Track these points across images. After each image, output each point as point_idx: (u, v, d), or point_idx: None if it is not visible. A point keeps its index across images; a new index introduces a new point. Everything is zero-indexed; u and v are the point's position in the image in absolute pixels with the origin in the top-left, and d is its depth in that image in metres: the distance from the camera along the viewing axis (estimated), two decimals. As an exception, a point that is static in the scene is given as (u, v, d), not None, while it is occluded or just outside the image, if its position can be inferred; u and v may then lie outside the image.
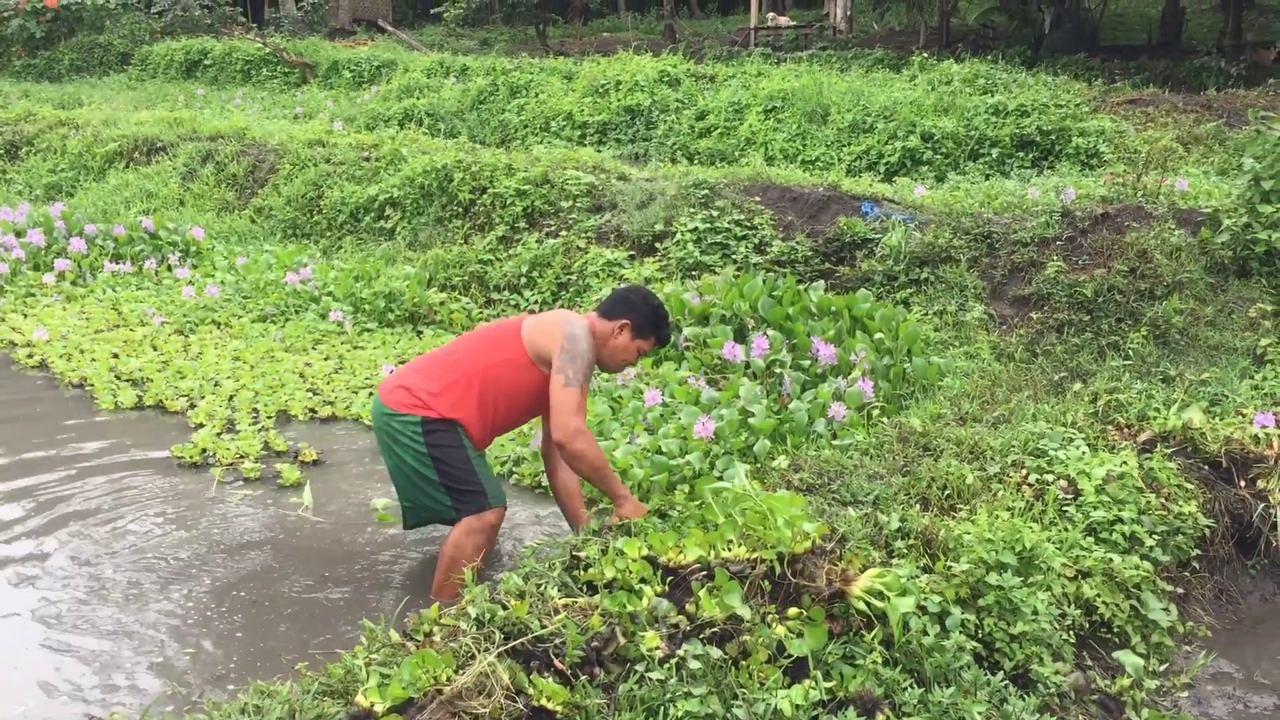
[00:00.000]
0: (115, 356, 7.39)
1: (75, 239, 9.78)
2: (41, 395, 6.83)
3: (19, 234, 9.98)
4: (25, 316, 8.50)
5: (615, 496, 4.18)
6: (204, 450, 5.78)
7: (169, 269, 9.78)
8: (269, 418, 6.32)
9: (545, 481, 5.31)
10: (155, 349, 7.63)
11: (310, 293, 8.69)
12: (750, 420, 5.27)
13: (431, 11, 25.65)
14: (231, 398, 6.62)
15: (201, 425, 6.17)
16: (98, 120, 14.45)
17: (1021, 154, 11.55)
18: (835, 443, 5.00)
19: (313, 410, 6.51)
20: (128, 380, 6.96)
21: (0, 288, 9.19)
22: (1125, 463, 4.43)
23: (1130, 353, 6.23)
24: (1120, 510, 4.23)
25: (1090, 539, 4.10)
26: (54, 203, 11.47)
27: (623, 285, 4.62)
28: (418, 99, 16.17)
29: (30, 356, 7.45)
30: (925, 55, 15.57)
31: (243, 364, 7.27)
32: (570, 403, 4.03)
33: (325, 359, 7.51)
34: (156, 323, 8.19)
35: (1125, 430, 4.91)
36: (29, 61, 22.76)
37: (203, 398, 6.60)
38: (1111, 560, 4.01)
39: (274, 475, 5.52)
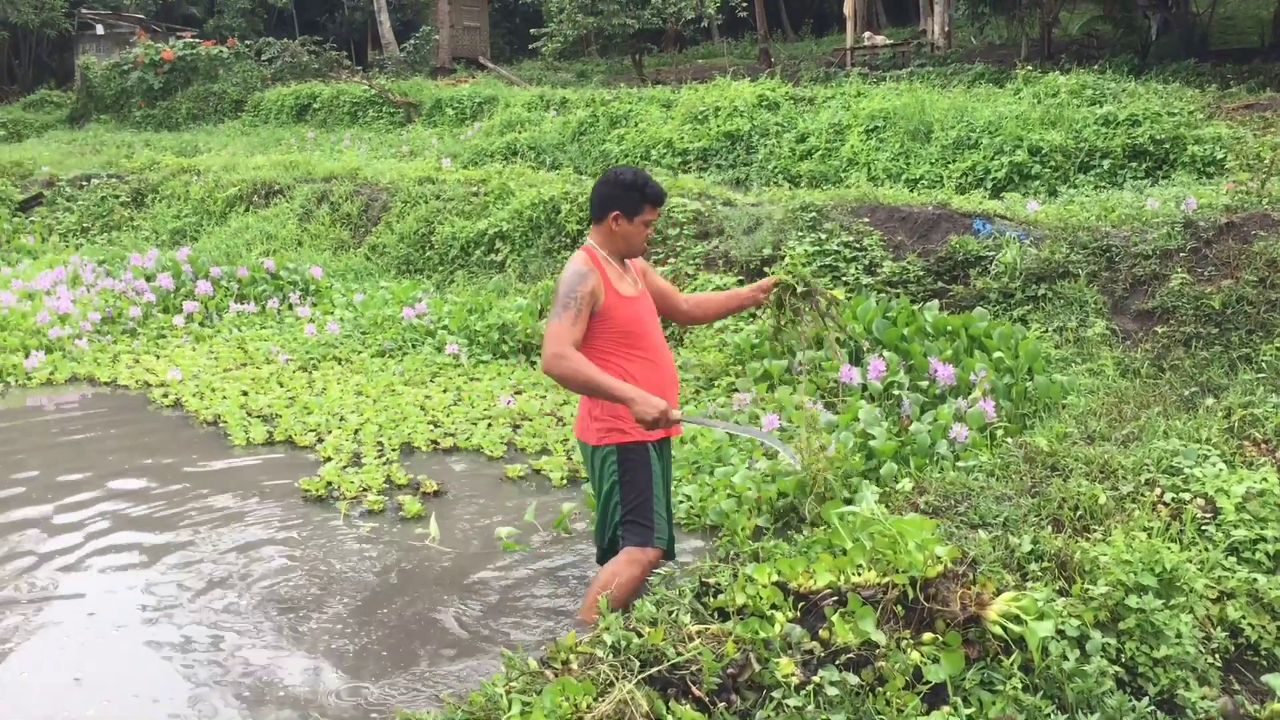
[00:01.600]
0: (245, 394, 7.67)
1: (202, 281, 10.19)
2: (178, 432, 7.11)
3: (149, 278, 10.44)
4: (158, 357, 8.87)
5: (622, 399, 3.93)
6: (329, 483, 5.94)
7: (290, 307, 10.12)
8: (393, 450, 6.49)
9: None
10: (282, 385, 7.90)
11: (426, 327, 8.91)
12: (871, 443, 5.24)
13: (529, 47, 26.11)
14: (357, 431, 6.81)
15: (330, 459, 6.35)
16: (217, 166, 15.04)
17: (1134, 164, 11.28)
18: (959, 464, 4.93)
19: (435, 442, 6.66)
20: (258, 417, 7.21)
21: (134, 330, 9.62)
22: (1265, 479, 4.29)
23: (1264, 365, 6.03)
24: (1263, 528, 4.09)
25: (1232, 559, 3.98)
26: (180, 247, 11.97)
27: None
28: (519, 133, 16.46)
29: (165, 395, 7.76)
30: (1028, 68, 15.31)
31: (365, 398, 7.48)
32: (549, 334, 3.98)
33: (444, 391, 7.68)
34: (281, 360, 8.48)
35: (1263, 445, 4.76)
36: (148, 112, 23.80)
37: (330, 432, 6.80)
38: (1256, 581, 3.88)
39: (396, 507, 5.65)
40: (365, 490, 5.86)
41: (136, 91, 24.22)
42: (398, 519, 5.53)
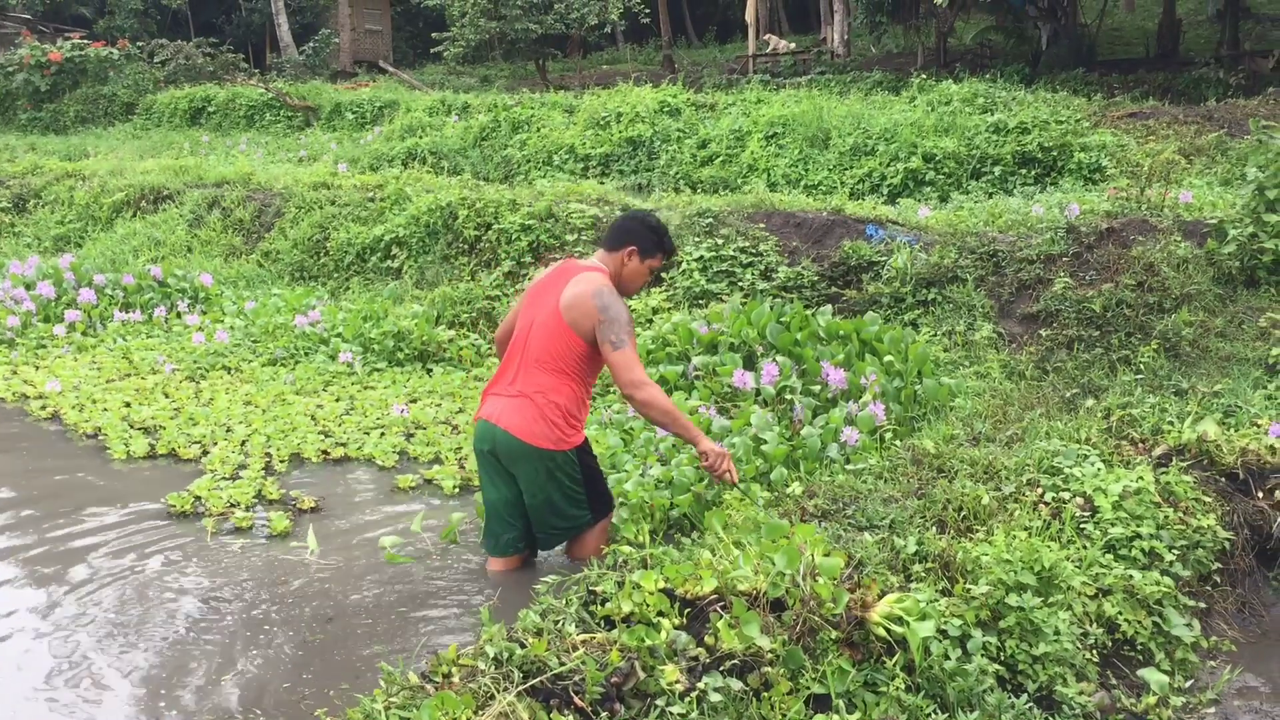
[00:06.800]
0: (127, 405, 7.41)
1: (84, 290, 9.83)
2: (55, 447, 6.83)
3: (29, 286, 10.05)
4: (37, 368, 8.53)
5: (692, 440, 4.36)
6: (198, 498, 5.69)
7: (178, 316, 9.83)
8: (282, 461, 6.32)
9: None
10: (167, 396, 7.65)
11: (319, 335, 8.73)
12: (763, 447, 5.26)
13: (431, 51, 25.85)
14: (244, 443, 6.62)
15: (214, 471, 6.15)
16: (104, 171, 14.57)
17: (1024, 171, 11.58)
18: (849, 467, 4.98)
19: (325, 452, 6.50)
20: (140, 429, 6.96)
21: (11, 340, 9.25)
22: (1141, 478, 4.40)
23: (1142, 367, 6.21)
24: (1138, 526, 4.19)
25: (1109, 556, 4.07)
26: (63, 254, 11.54)
27: (619, 215, 4.84)
28: (420, 138, 16.27)
29: (43, 408, 7.46)
30: (924, 76, 15.63)
31: (254, 408, 7.28)
32: (625, 361, 4.25)
33: (336, 400, 7.52)
34: (167, 370, 8.22)
35: (1140, 445, 4.89)
36: (35, 115, 22.99)
37: (215, 444, 6.60)
38: (1132, 577, 3.98)
39: (266, 523, 5.39)
40: (233, 506, 5.60)
41: (22, 94, 23.36)
42: (268, 536, 5.28)
